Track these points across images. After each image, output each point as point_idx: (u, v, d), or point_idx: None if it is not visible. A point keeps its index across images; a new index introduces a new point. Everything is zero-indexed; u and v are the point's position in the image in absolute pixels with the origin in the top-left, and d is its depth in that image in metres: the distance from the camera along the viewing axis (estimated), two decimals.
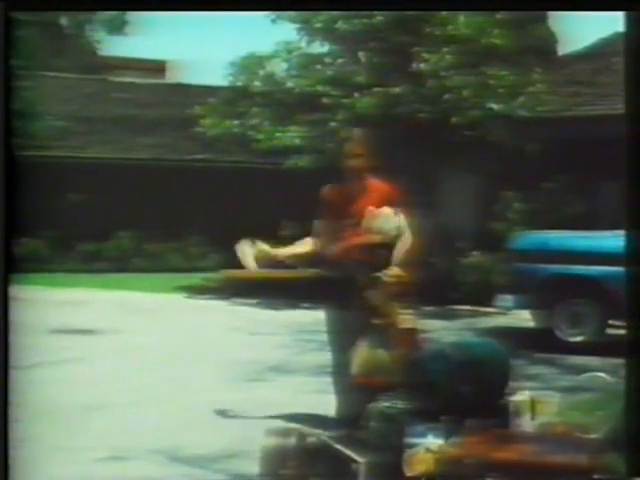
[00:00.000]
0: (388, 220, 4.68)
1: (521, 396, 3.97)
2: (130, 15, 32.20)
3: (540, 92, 12.00)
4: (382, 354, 4.49)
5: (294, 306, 11.31)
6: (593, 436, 3.65)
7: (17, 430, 3.49)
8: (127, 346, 8.76)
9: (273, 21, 12.94)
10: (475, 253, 12.34)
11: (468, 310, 11.72)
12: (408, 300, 4.70)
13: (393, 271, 4.63)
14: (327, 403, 5.22)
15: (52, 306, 11.65)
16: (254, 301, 12.20)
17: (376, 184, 5.15)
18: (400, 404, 4.05)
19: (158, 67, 22.40)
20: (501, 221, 12.18)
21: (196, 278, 14.20)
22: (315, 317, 5.85)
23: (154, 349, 8.58)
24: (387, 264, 4.63)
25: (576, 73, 13.50)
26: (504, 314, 10.74)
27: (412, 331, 4.59)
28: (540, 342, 8.91)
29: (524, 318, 9.99)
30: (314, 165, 11.74)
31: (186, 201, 17.02)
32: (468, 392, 3.73)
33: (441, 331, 10.18)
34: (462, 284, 12.07)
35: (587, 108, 12.50)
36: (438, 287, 11.94)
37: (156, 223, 16.58)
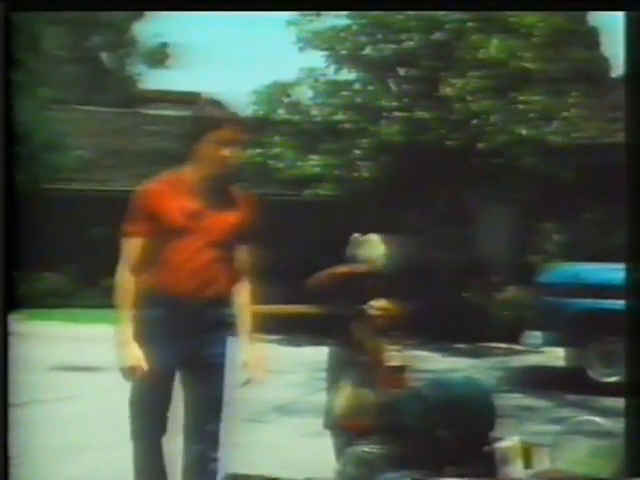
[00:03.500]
0: (375, 248, 4.45)
1: (510, 442, 3.69)
2: (170, 48, 32.76)
3: (576, 117, 11.72)
4: (367, 394, 4.24)
5: (318, 343, 11.07)
6: None
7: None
8: None
9: (301, 49, 12.90)
10: (510, 288, 12.01)
11: (501, 348, 11.36)
12: (397, 335, 4.44)
13: (380, 303, 4.37)
14: (320, 446, 4.96)
15: (68, 342, 11.61)
16: (277, 337, 11.98)
17: (233, 189, 3.89)
18: (378, 448, 3.80)
19: (193, 99, 22.47)
20: (538, 254, 11.84)
21: None
22: None
23: None
24: (373, 296, 4.39)
25: (621, 98, 13.15)
26: (540, 353, 10.38)
27: (400, 369, 4.33)
28: (571, 382, 8.54)
29: (559, 357, 9.62)
30: (335, 194, 11.59)
31: None
32: (446, 436, 3.46)
33: (470, 370, 9.89)
34: (496, 320, 11.74)
35: None
36: (470, 323, 11.65)
37: None
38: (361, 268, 4.39)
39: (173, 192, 3.74)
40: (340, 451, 4.19)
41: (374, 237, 4.49)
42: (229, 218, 3.79)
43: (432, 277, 11.32)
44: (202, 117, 3.73)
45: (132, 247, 3.74)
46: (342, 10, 11.00)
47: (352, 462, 3.79)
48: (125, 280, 3.73)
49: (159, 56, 32.99)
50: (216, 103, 3.76)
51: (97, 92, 27.93)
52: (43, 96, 17.23)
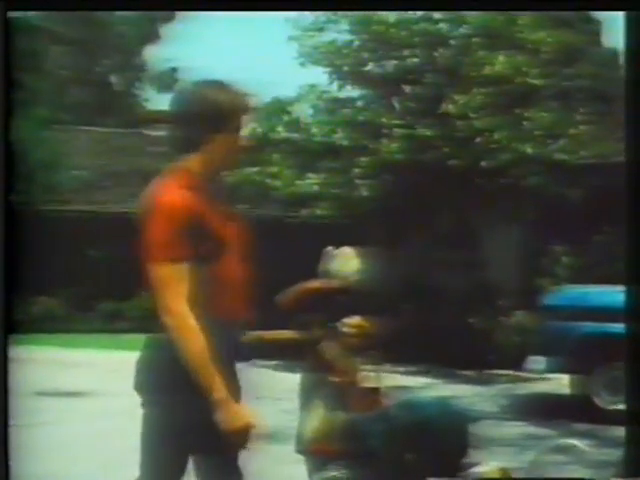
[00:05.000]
0: (348, 262, 4.28)
1: (486, 467, 3.51)
2: (181, 73, 32.89)
3: (584, 135, 11.56)
4: (339, 417, 4.07)
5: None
6: None
7: None
8: (123, 409, 8.55)
9: (302, 65, 12.85)
10: (518, 312, 11.80)
11: (508, 375, 11.14)
12: (371, 355, 4.27)
13: (353, 321, 4.21)
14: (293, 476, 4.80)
15: (62, 367, 11.55)
16: (272, 363, 11.82)
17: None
18: (348, 473, 3.63)
19: None
20: (548, 277, 11.65)
21: None
22: None
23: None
24: (346, 313, 4.22)
25: None
26: (547, 380, 10.19)
27: (375, 391, 4.15)
28: (577, 410, 8.33)
29: (567, 384, 9.42)
30: (334, 214, 11.46)
31: None
32: (415, 460, 3.29)
33: (473, 398, 9.69)
34: (502, 346, 11.53)
35: None
36: (475, 349, 11.46)
37: None
38: (333, 283, 4.23)
39: (202, 196, 3.06)
40: (311, 476, 4.02)
41: (347, 250, 4.33)
42: (236, 219, 3.24)
43: (419, 294, 11.17)
44: (215, 102, 3.08)
45: (182, 275, 2.95)
46: (343, 10, 10.86)
47: None
48: (189, 318, 2.91)
49: (168, 81, 33.16)
50: (223, 86, 3.18)
51: (104, 114, 28.08)
52: (42, 116, 17.27)
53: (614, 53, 16.47)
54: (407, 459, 3.29)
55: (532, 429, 8.03)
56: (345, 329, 4.19)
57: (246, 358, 3.31)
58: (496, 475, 3.49)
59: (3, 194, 3.64)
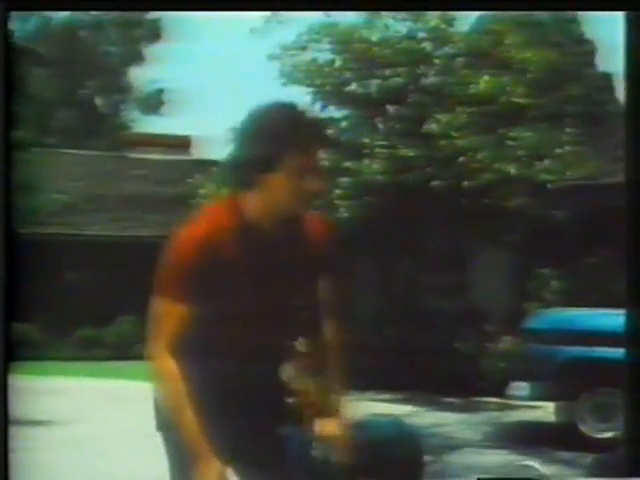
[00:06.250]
0: None
1: None
2: (166, 94, 32.90)
3: (571, 155, 11.53)
4: None
5: None
6: None
7: None
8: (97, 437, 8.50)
9: (284, 85, 12.86)
10: (505, 338, 11.69)
11: (495, 403, 11.01)
12: (331, 375, 4.15)
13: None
14: None
15: (37, 395, 11.40)
16: None
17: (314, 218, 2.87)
18: None
19: (183, 143, 22.53)
20: (536, 301, 11.55)
21: None
22: None
23: (125, 438, 8.30)
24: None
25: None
26: (536, 408, 10.07)
27: (334, 414, 4.04)
28: (562, 438, 8.20)
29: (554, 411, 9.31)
30: None
31: None
32: None
33: (457, 426, 9.58)
34: (489, 373, 11.41)
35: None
36: (461, 376, 11.35)
37: None
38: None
39: (233, 235, 2.65)
40: None
41: None
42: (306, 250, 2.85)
43: (401, 317, 11.06)
44: (278, 130, 2.53)
45: (177, 318, 2.63)
46: (344, 10, 10.83)
47: None
48: (170, 368, 2.62)
49: (154, 102, 33.20)
50: (293, 110, 2.65)
51: (88, 137, 28.09)
52: (23, 139, 17.23)
53: (605, 75, 16.53)
54: None
55: (515, 457, 7.92)
56: (302, 348, 4.09)
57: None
58: None
59: (4, 220, 3.59)
